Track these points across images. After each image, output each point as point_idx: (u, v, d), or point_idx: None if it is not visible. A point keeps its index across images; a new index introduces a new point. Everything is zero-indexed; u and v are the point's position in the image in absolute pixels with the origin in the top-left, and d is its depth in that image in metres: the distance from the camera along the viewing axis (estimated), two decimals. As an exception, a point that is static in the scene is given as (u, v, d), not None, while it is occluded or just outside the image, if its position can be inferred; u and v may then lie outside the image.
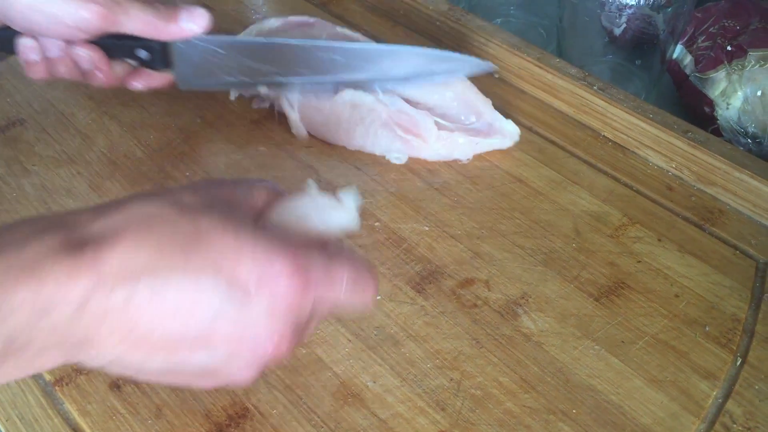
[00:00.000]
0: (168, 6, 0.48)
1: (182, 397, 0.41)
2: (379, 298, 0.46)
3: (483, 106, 0.55)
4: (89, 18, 0.45)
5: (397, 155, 0.54)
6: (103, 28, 0.46)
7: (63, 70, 0.49)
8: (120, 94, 0.59)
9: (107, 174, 0.53)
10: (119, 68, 0.50)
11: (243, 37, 0.58)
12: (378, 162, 0.54)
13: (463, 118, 0.55)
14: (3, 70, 0.62)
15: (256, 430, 0.40)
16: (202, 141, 0.56)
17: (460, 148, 0.54)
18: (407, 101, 0.54)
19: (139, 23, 0.47)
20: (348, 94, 0.53)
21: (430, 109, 0.54)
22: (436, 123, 0.53)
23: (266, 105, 0.59)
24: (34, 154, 0.55)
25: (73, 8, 0.45)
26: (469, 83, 0.55)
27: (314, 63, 0.52)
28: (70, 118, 0.58)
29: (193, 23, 0.48)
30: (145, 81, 0.52)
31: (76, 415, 0.41)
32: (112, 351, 0.29)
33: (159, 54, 0.49)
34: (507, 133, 0.54)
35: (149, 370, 0.30)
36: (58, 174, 0.53)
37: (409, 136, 0.53)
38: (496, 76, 0.61)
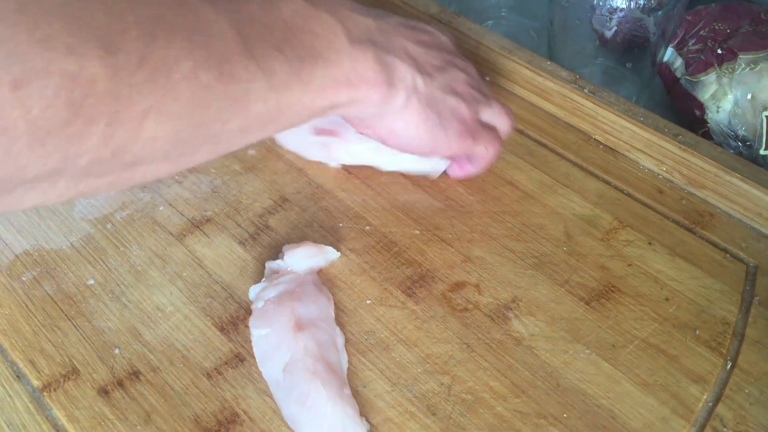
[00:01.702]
0: None
1: (171, 402, 0.41)
2: (369, 302, 0.46)
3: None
4: None
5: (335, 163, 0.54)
6: None
7: None
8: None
9: (96, 177, 0.53)
10: None
11: None
12: (369, 166, 0.54)
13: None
14: None
15: (246, 436, 0.40)
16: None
17: (381, 159, 0.52)
18: None
19: None
20: None
21: None
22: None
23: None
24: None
25: None
26: None
27: None
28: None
29: None
30: None
31: (64, 420, 0.40)
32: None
33: None
34: (437, 163, 0.52)
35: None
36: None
37: (328, 138, 0.52)
38: (488, 78, 0.61)
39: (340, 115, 0.43)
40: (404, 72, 0.42)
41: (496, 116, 0.49)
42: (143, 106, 0.29)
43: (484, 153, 0.48)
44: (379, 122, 0.44)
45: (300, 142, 0.54)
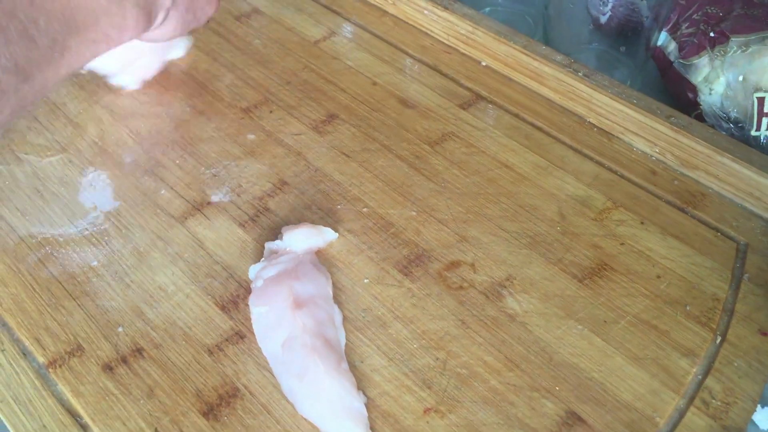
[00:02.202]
0: None
1: (174, 378, 0.42)
2: (366, 281, 0.47)
3: None
4: None
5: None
6: None
7: None
8: (111, 84, 0.60)
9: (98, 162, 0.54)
10: None
11: None
12: (368, 149, 0.54)
13: None
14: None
15: (246, 409, 0.41)
16: (192, 129, 0.57)
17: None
18: None
19: None
20: None
21: None
22: None
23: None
24: (26, 143, 0.55)
25: None
26: None
27: None
28: (61, 108, 0.58)
29: None
30: None
31: (69, 396, 0.41)
32: None
33: None
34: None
35: None
36: (50, 162, 0.54)
37: None
38: (483, 64, 0.62)
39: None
40: None
41: None
42: None
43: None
44: (141, 37, 0.47)
45: None
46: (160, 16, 0.46)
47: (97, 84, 0.60)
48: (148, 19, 0.44)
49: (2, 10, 0.33)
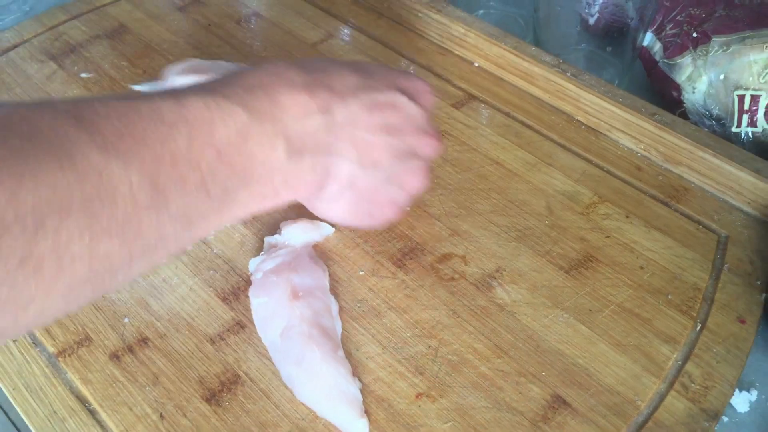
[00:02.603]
0: None
1: (178, 366, 0.44)
2: (361, 273, 0.49)
3: None
4: None
5: None
6: None
7: None
8: (116, 86, 0.62)
9: (105, 161, 0.56)
10: None
11: None
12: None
13: None
14: (3, 63, 0.65)
15: (247, 395, 0.43)
16: (194, 129, 0.59)
17: None
18: None
19: None
20: None
21: None
22: None
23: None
24: (35, 144, 0.57)
25: None
26: None
27: None
28: (68, 109, 0.60)
29: None
30: None
31: (78, 383, 0.44)
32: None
33: None
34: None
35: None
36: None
37: None
38: (476, 65, 0.64)
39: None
40: (342, 170, 0.40)
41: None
42: (26, 297, 0.26)
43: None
44: (308, 204, 0.43)
45: None
46: (333, 189, 0.41)
47: (102, 86, 0.62)
48: (319, 185, 0.40)
49: (188, 160, 0.31)
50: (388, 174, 0.42)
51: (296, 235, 0.49)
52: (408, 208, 0.47)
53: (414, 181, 0.44)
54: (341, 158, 0.39)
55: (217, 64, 0.58)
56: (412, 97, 0.43)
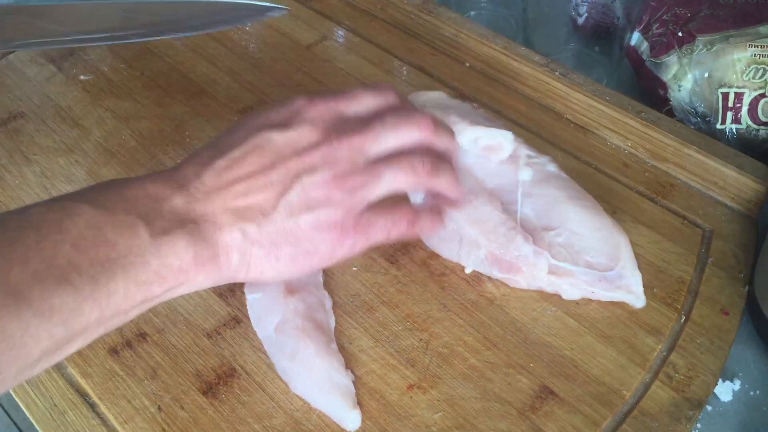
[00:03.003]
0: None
1: (175, 359, 0.45)
2: (355, 269, 0.50)
3: (625, 253, 0.48)
4: None
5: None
6: None
7: None
8: (114, 88, 0.63)
9: (103, 162, 0.57)
10: None
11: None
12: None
13: (591, 256, 0.48)
14: (4, 66, 0.66)
15: (243, 388, 0.44)
16: (191, 130, 0.60)
17: (568, 290, 0.48)
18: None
19: None
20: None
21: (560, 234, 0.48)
22: (551, 264, 0.47)
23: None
24: (35, 145, 0.59)
25: None
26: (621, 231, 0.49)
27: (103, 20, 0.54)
28: (67, 111, 0.62)
29: None
30: None
31: (78, 377, 0.45)
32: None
33: None
34: (634, 293, 0.47)
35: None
36: (57, 162, 0.57)
37: (507, 275, 0.48)
38: (467, 65, 0.65)
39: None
40: (228, 235, 0.37)
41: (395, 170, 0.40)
42: None
43: (394, 230, 0.41)
44: (235, 279, 0.39)
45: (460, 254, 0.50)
46: (234, 257, 0.37)
47: (100, 87, 0.64)
48: (212, 261, 0.36)
49: (41, 258, 0.31)
50: (291, 207, 0.38)
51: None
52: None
53: (328, 193, 0.39)
54: (219, 227, 0.37)
55: (461, 105, 0.55)
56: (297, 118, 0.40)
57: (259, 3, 0.55)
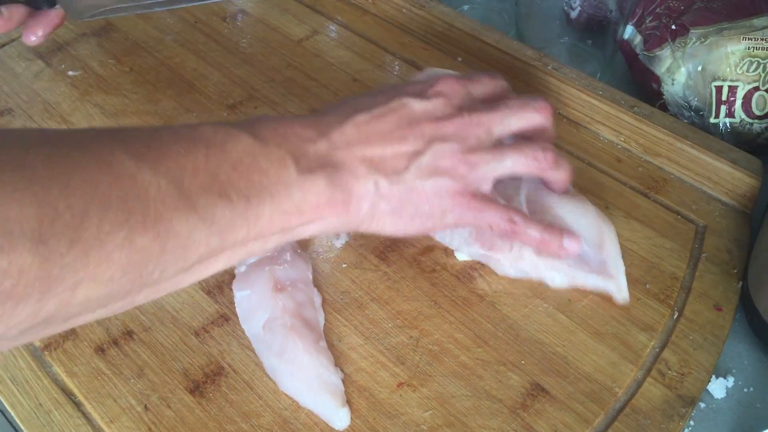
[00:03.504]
0: None
1: (162, 358, 0.45)
2: (344, 266, 0.49)
3: (609, 242, 0.47)
4: None
5: (464, 257, 0.50)
6: None
7: None
8: (102, 84, 0.63)
9: (91, 158, 0.57)
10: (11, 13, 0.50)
11: None
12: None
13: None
14: (-10, 63, 0.65)
15: (231, 386, 0.43)
16: (180, 125, 0.59)
17: (551, 275, 0.47)
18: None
19: None
20: None
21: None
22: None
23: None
24: (22, 141, 0.58)
25: None
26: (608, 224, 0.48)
27: None
28: (55, 107, 0.61)
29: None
30: (41, 26, 0.52)
31: (64, 376, 0.44)
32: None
33: None
34: (614, 279, 0.46)
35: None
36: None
37: (489, 251, 0.48)
38: (459, 59, 0.65)
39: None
40: (362, 185, 0.40)
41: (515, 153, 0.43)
42: (75, 279, 0.29)
43: (498, 227, 0.43)
44: (359, 228, 0.42)
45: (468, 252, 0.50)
46: (364, 206, 0.40)
47: (89, 83, 0.63)
48: (345, 205, 0.40)
49: (207, 171, 0.34)
50: (421, 169, 0.41)
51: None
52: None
53: (453, 160, 0.42)
54: (355, 175, 0.40)
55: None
56: (428, 94, 0.43)
57: None
